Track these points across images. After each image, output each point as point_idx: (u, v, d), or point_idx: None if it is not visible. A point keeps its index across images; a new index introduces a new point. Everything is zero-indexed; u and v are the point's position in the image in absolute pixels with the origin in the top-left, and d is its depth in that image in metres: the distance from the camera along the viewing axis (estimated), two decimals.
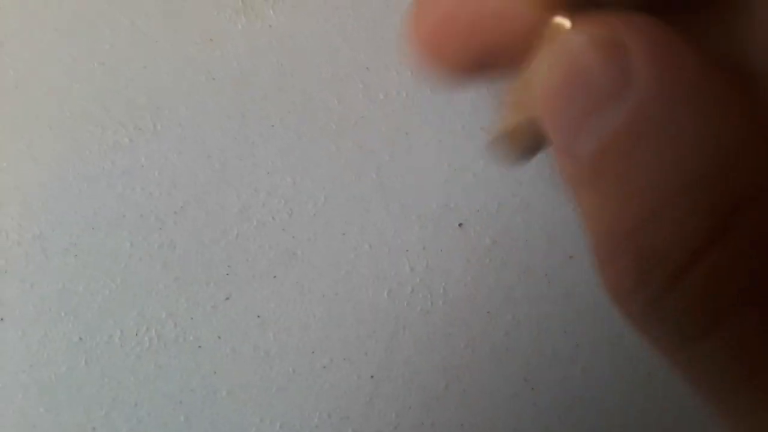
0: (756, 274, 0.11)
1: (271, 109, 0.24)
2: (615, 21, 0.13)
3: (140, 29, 0.24)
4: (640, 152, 0.12)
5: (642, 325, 0.13)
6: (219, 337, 0.23)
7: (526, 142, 0.14)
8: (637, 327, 0.13)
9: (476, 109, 0.24)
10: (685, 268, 0.12)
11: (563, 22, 0.13)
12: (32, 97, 0.24)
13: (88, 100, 0.24)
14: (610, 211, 0.13)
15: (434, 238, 0.24)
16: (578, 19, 0.13)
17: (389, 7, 0.25)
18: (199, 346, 0.23)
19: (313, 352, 0.23)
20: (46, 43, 0.24)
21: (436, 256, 0.24)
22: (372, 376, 0.23)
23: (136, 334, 0.23)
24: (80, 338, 0.23)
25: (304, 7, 0.25)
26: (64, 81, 0.24)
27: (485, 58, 0.14)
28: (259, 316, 0.23)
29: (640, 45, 0.12)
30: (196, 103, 0.24)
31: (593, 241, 0.13)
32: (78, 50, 0.24)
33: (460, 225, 0.24)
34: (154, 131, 0.24)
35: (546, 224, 0.24)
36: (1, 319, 0.23)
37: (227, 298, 0.23)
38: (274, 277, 0.23)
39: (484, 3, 0.13)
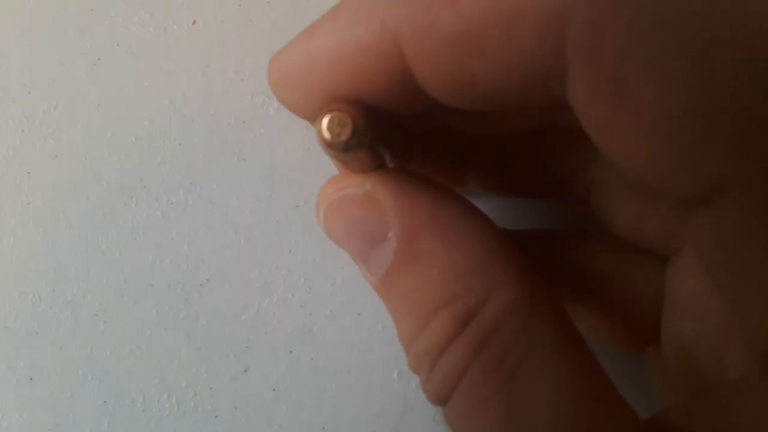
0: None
1: (296, 190, 0.26)
2: (371, 178, 0.17)
3: (178, 108, 0.26)
4: (411, 278, 0.17)
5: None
6: (235, 408, 0.24)
7: None
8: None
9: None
10: (437, 357, 0.16)
11: (323, 123, 0.16)
12: (71, 168, 0.25)
13: (124, 173, 0.25)
14: (398, 320, 0.17)
15: None
16: (342, 177, 0.18)
17: None
18: (216, 416, 0.24)
19: (323, 428, 0.24)
20: (88, 116, 0.26)
21: None
22: None
23: (158, 401, 0.24)
24: (104, 401, 0.24)
25: None
26: (102, 153, 0.26)
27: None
28: (274, 390, 0.24)
29: (389, 199, 0.17)
30: (226, 181, 0.26)
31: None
32: (118, 125, 0.26)
33: None
34: (186, 206, 0.25)
35: None
36: (30, 379, 0.24)
37: (245, 371, 0.24)
38: (291, 352, 0.25)
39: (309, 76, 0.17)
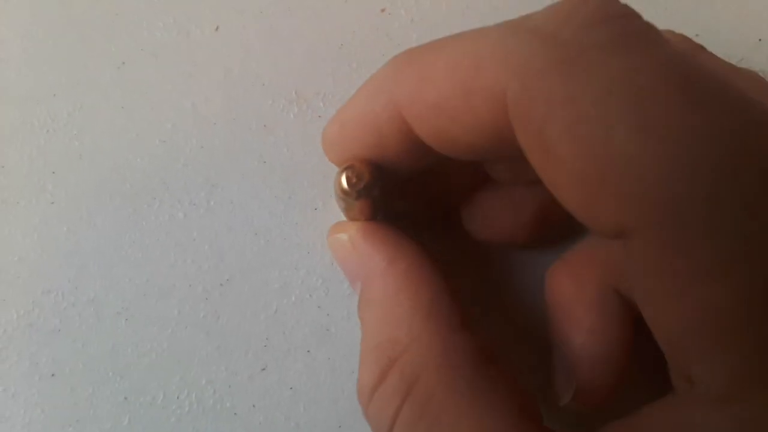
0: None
1: (315, 193, 0.26)
2: (355, 228, 0.22)
3: (200, 112, 0.26)
4: (362, 317, 0.22)
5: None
6: (253, 406, 0.25)
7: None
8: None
9: None
10: (371, 397, 0.20)
11: (344, 174, 0.21)
12: (95, 168, 0.26)
13: (147, 175, 0.26)
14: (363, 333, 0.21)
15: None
16: (339, 224, 0.24)
17: None
18: (235, 413, 0.25)
19: (340, 426, 0.25)
20: (112, 118, 0.26)
21: None
22: None
23: (178, 398, 0.25)
24: (125, 398, 0.24)
25: None
26: (126, 155, 0.26)
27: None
28: (291, 388, 0.25)
29: (360, 249, 0.22)
30: (247, 183, 0.26)
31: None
32: (141, 127, 0.26)
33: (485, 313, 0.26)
34: (208, 207, 0.26)
35: None
36: (53, 375, 0.25)
37: (263, 369, 0.25)
38: (308, 351, 0.25)
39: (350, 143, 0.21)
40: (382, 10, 0.28)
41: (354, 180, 0.21)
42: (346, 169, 0.21)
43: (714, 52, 0.22)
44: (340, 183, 0.21)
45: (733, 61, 0.23)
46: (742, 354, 0.15)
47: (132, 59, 0.27)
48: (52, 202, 0.26)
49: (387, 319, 0.20)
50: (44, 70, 0.27)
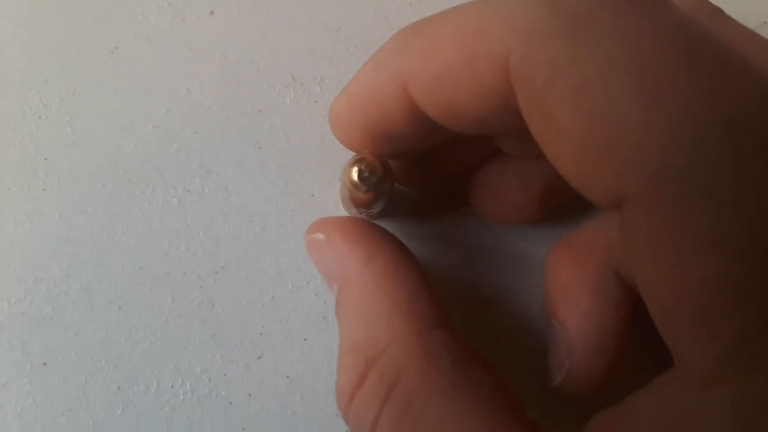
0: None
1: (312, 179, 0.26)
2: (335, 225, 0.22)
3: (195, 97, 0.26)
4: (340, 318, 0.21)
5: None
6: (249, 395, 0.24)
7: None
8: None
9: None
10: (350, 400, 0.19)
11: (356, 166, 0.21)
12: (88, 155, 0.26)
13: (141, 161, 0.26)
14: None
15: (460, 317, 0.25)
16: (318, 222, 0.22)
17: None
18: (231, 402, 0.24)
19: (337, 416, 0.24)
20: (105, 103, 0.26)
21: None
22: None
23: (172, 387, 0.24)
24: (118, 387, 0.24)
25: None
26: (119, 141, 0.26)
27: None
28: (288, 377, 0.24)
29: (336, 248, 0.21)
30: (242, 169, 0.26)
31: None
32: (134, 113, 0.26)
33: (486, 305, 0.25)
34: (202, 194, 0.25)
35: None
36: (45, 364, 0.24)
37: (259, 358, 0.24)
38: (305, 339, 0.25)
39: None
40: None
41: (366, 173, 0.21)
42: (358, 161, 0.21)
43: None
44: (350, 174, 0.21)
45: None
46: (732, 332, 0.14)
47: (126, 44, 0.27)
48: (44, 189, 0.25)
49: (365, 318, 0.19)
50: (36, 55, 0.26)
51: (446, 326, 0.19)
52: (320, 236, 0.22)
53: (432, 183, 0.25)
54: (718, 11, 0.21)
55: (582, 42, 0.15)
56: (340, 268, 0.21)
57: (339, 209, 0.25)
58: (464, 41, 0.17)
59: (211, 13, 0.27)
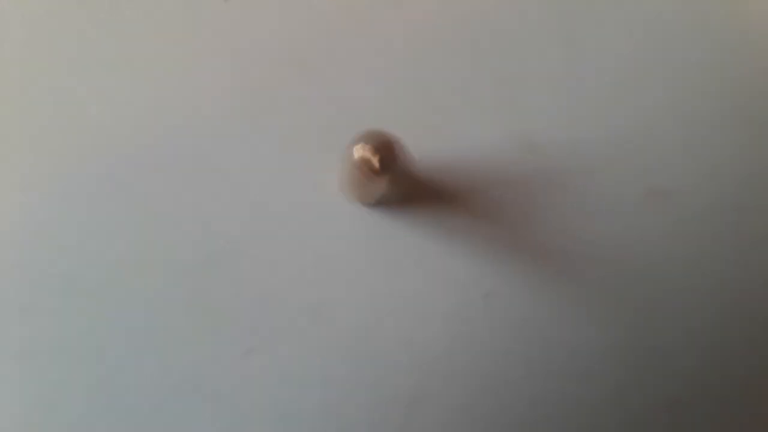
0: None
1: (313, 164, 0.24)
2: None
3: (195, 77, 0.25)
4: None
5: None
6: (238, 391, 0.23)
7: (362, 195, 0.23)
8: None
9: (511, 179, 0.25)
10: None
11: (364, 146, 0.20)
12: (78, 133, 0.24)
13: (129, 141, 0.24)
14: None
15: (459, 307, 0.24)
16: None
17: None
18: (218, 399, 0.23)
19: (329, 414, 0.23)
20: (105, 84, 0.25)
21: (460, 325, 0.24)
22: None
23: (156, 381, 0.23)
24: (100, 380, 0.23)
25: None
26: (112, 120, 0.24)
27: None
28: (280, 372, 0.23)
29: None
30: (239, 152, 0.24)
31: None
32: (131, 93, 0.25)
33: (486, 296, 0.24)
34: (194, 175, 0.24)
35: (575, 301, 0.24)
36: (23, 356, 0.23)
37: (250, 351, 0.23)
38: (298, 332, 0.23)
39: None
40: None
41: (370, 153, 0.20)
42: (362, 138, 0.20)
43: None
44: (354, 154, 0.20)
45: None
46: None
47: (136, 31, 0.25)
48: (29, 173, 0.24)
49: None
50: (45, 44, 0.25)
51: None
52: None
53: None
54: None
55: None
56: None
57: (339, 195, 0.24)
58: None
59: (226, 0, 0.26)
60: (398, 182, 0.22)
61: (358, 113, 0.25)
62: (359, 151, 0.20)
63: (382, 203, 0.24)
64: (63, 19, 0.25)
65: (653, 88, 0.26)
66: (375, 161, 0.20)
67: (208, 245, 0.24)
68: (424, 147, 0.25)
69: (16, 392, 0.22)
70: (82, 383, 0.23)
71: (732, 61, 0.27)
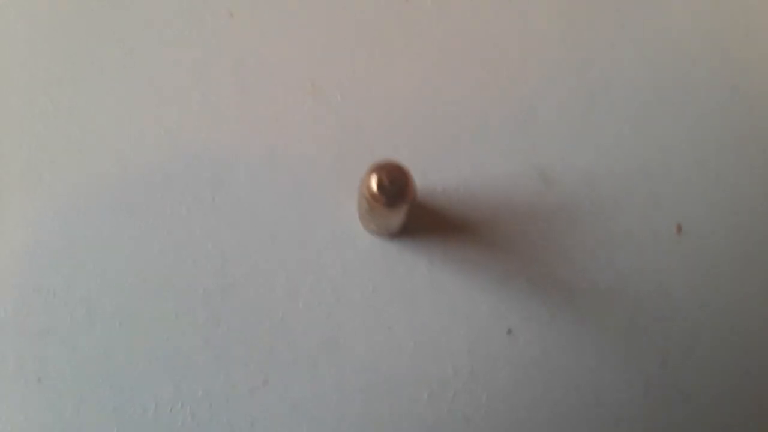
0: None
1: (329, 192, 0.24)
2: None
3: (210, 102, 0.25)
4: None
5: None
6: (252, 423, 0.22)
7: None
8: None
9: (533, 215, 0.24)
10: None
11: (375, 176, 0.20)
12: (95, 158, 0.24)
13: (150, 167, 0.24)
14: None
15: (481, 343, 0.23)
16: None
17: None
18: (232, 431, 0.22)
19: None
20: (116, 106, 0.25)
21: (482, 361, 0.23)
22: None
23: (171, 410, 0.22)
24: (115, 408, 0.22)
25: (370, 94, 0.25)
26: (129, 145, 0.24)
27: None
28: (294, 405, 0.23)
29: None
30: (256, 179, 0.24)
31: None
32: (146, 116, 0.25)
33: (509, 332, 0.23)
34: (212, 204, 0.24)
35: (598, 339, 0.23)
36: (39, 380, 0.23)
37: (265, 383, 0.23)
38: (315, 364, 0.23)
39: None
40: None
41: (386, 182, 0.19)
42: (378, 169, 0.19)
43: None
44: (369, 183, 0.19)
45: None
46: None
47: (141, 45, 0.25)
48: (48, 194, 0.24)
49: None
50: (48, 55, 0.25)
51: None
52: None
53: None
54: None
55: None
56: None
57: (356, 225, 0.24)
58: None
59: (231, 15, 0.26)
60: (414, 214, 0.21)
61: (376, 143, 0.25)
62: (369, 182, 0.19)
63: (401, 234, 0.24)
64: (65, 33, 0.26)
65: (672, 121, 0.25)
66: (384, 192, 0.19)
67: (225, 275, 0.23)
68: (445, 179, 0.24)
69: (32, 416, 0.22)
70: (96, 410, 0.22)
71: (755, 94, 0.26)
